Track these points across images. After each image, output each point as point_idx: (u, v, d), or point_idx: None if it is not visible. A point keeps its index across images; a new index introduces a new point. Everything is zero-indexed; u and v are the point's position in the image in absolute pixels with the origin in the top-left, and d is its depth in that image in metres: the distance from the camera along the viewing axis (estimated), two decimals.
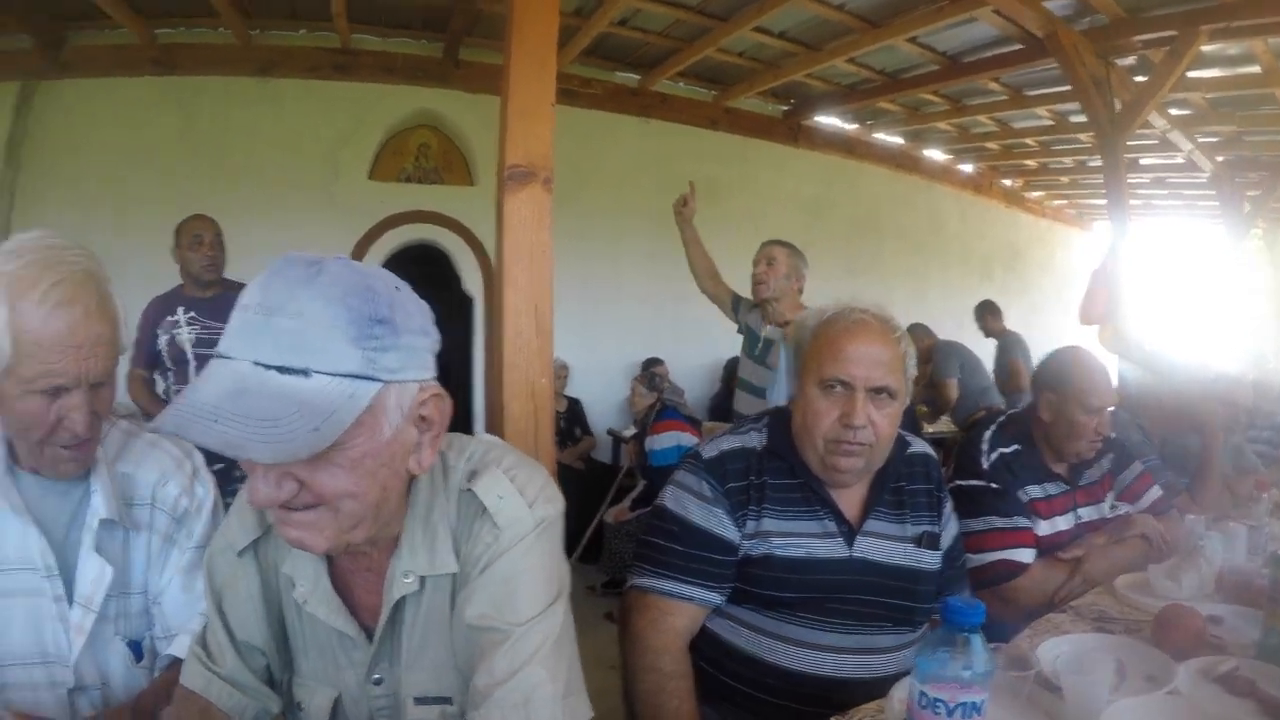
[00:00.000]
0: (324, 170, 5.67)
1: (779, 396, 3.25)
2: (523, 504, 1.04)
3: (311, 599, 1.07)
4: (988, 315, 7.16)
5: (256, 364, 0.84)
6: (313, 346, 0.84)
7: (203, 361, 3.25)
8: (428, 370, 0.96)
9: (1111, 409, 2.19)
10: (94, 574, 1.27)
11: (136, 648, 1.34)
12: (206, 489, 1.42)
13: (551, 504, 1.08)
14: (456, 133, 6.05)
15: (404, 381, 0.92)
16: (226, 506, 1.24)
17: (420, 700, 1.08)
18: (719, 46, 5.65)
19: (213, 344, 3.33)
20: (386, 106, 5.83)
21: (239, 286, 3.61)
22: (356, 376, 0.86)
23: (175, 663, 1.28)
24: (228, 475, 1.47)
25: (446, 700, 1.08)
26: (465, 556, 1.04)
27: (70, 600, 1.26)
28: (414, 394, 0.94)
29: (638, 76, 6.56)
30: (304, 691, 1.14)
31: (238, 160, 5.42)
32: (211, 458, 1.41)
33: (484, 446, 1.12)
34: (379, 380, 0.88)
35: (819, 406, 1.53)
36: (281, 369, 0.84)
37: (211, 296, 3.41)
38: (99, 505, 1.28)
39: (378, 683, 1.09)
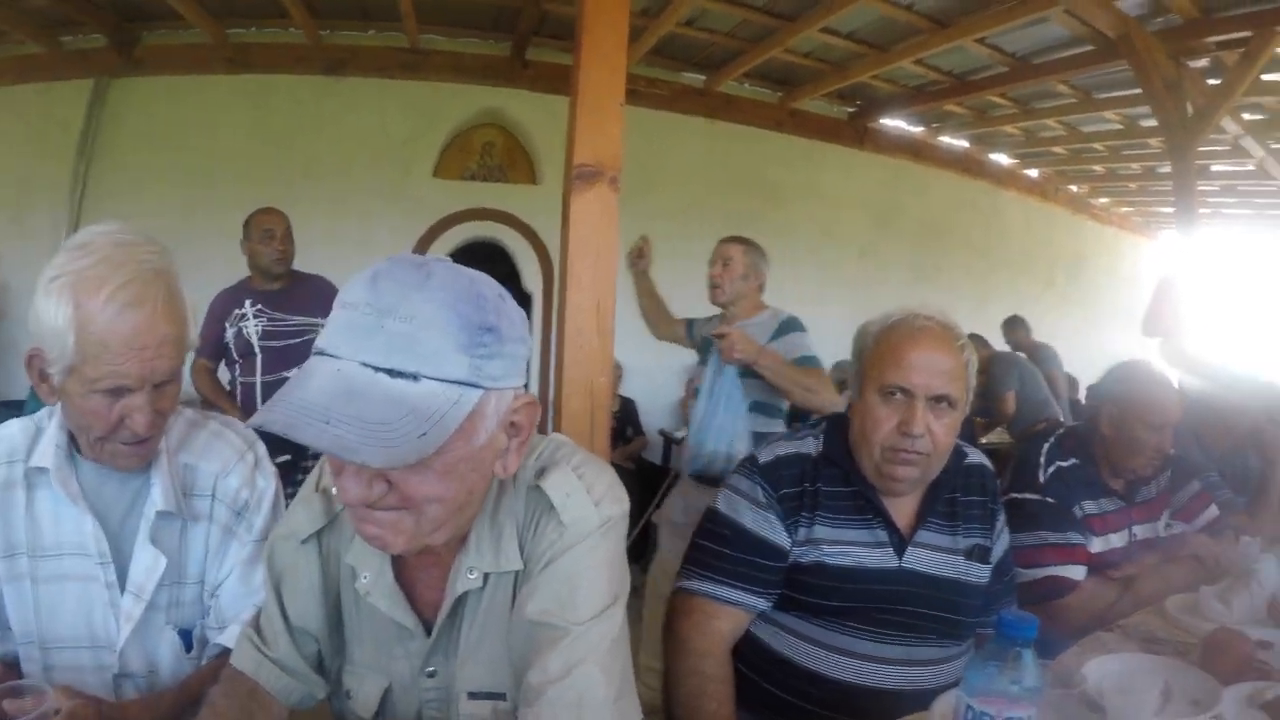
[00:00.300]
0: (391, 167, 5.80)
1: (703, 404, 3.16)
2: (589, 502, 1.04)
3: (374, 591, 1.07)
4: (1018, 330, 7.02)
5: (365, 365, 0.83)
6: (424, 351, 0.84)
7: (269, 354, 3.34)
8: (523, 377, 0.96)
9: (1176, 424, 2.14)
10: (148, 564, 1.28)
11: (187, 637, 1.35)
12: (268, 480, 1.41)
13: (618, 504, 1.07)
14: (522, 131, 6.13)
15: (503, 389, 0.92)
16: (289, 498, 1.24)
17: (474, 695, 1.08)
18: (785, 47, 5.62)
19: (279, 336, 3.40)
20: (453, 105, 5.93)
21: (307, 278, 3.67)
22: (463, 383, 0.86)
23: (225, 652, 1.27)
24: (294, 466, 1.48)
25: (500, 696, 1.08)
26: (530, 553, 1.04)
27: (122, 588, 1.28)
28: (510, 401, 0.94)
29: (703, 77, 6.55)
30: (354, 679, 1.14)
31: (306, 156, 5.57)
32: (275, 449, 1.44)
33: (553, 445, 1.11)
34: (482, 387, 0.88)
35: (878, 414, 1.52)
36: (392, 372, 0.83)
37: (279, 289, 3.45)
38: (157, 498, 1.28)
39: (431, 675, 1.09)
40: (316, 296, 3.37)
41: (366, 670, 1.13)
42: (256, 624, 1.16)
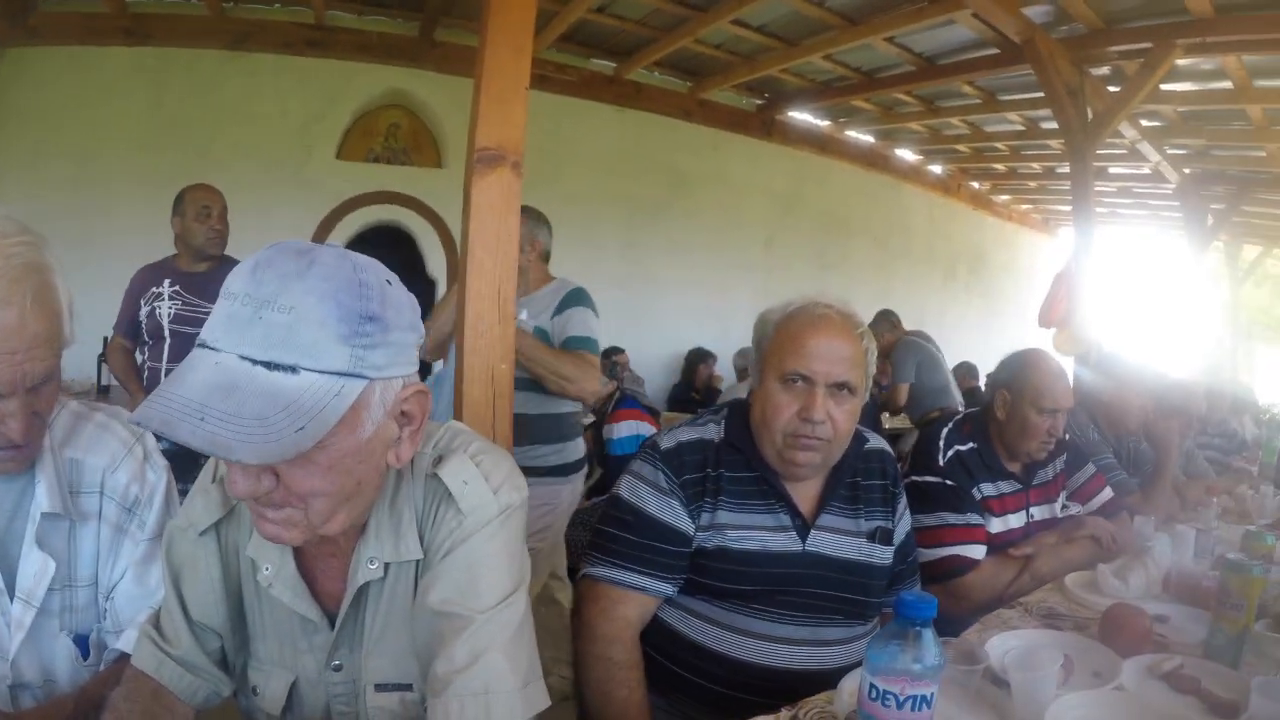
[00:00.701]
0: (293, 148, 5.59)
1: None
2: (488, 490, 1.04)
3: (276, 582, 1.05)
4: (882, 324, 7.12)
5: (243, 358, 0.82)
6: (302, 343, 0.82)
7: (178, 339, 3.15)
8: (412, 365, 0.95)
9: (1067, 409, 2.22)
10: (35, 568, 1.21)
11: (83, 643, 1.28)
12: (159, 474, 1.34)
13: (517, 491, 1.07)
14: (428, 114, 6.00)
15: (390, 378, 0.91)
16: (183, 493, 1.21)
17: (381, 687, 1.07)
18: (696, 38, 5.65)
19: (191, 322, 3.13)
20: (359, 85, 5.76)
21: (233, 265, 3.48)
22: (344, 374, 0.85)
23: (124, 657, 1.22)
24: (193, 460, 1.34)
25: (407, 687, 1.07)
26: (429, 542, 1.04)
27: (11, 595, 1.21)
28: (397, 390, 0.93)
29: (614, 65, 6.54)
30: (260, 675, 1.12)
31: (205, 134, 5.33)
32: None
33: (451, 432, 1.11)
34: (365, 378, 0.87)
35: (779, 400, 1.53)
36: (270, 365, 0.82)
37: (202, 272, 3.25)
38: (42, 498, 1.21)
39: (337, 669, 1.08)
40: None
41: (272, 666, 1.12)
42: (156, 622, 1.12)
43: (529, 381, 2.60)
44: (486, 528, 1.03)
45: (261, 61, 5.44)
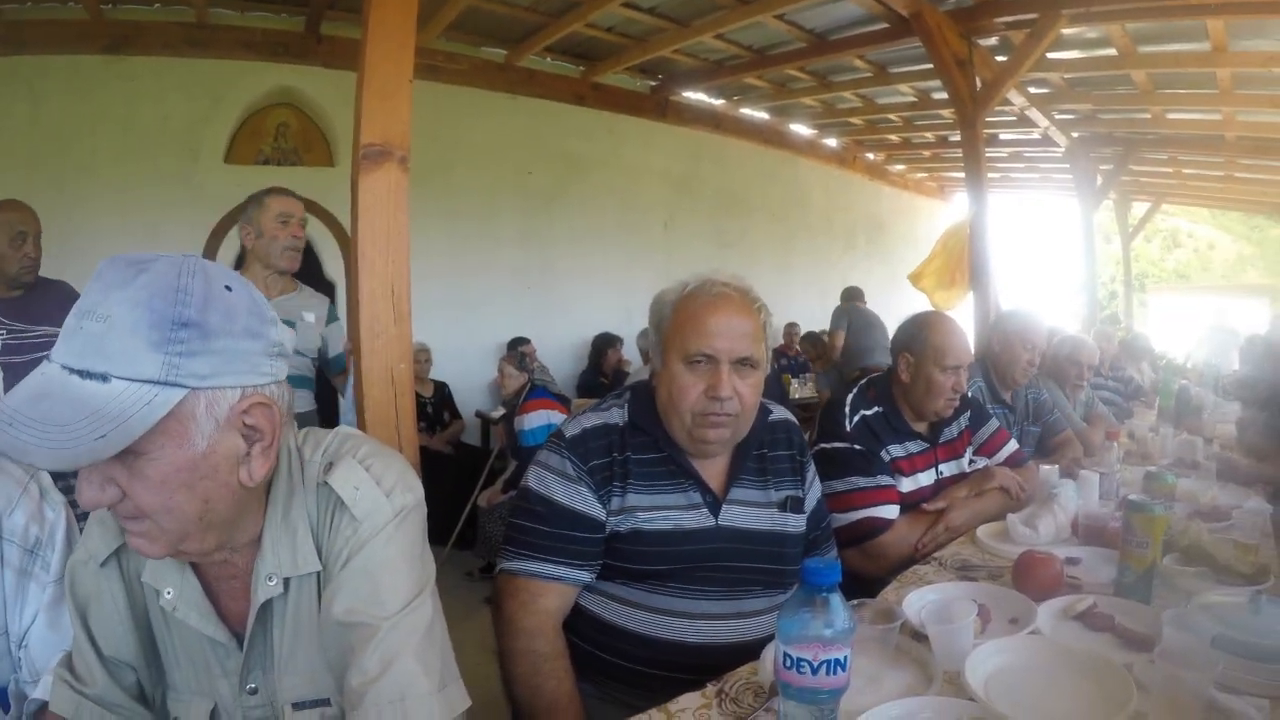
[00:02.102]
0: (180, 154, 5.34)
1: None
2: (380, 494, 1.03)
3: (180, 605, 1.03)
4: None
5: (64, 367, 0.82)
6: (111, 350, 0.82)
7: (11, 371, 2.83)
8: (257, 376, 0.92)
9: (968, 365, 2.28)
10: None
11: (1, 695, 1.23)
12: (57, 511, 1.29)
13: (410, 492, 1.06)
14: (317, 111, 5.81)
15: (217, 388, 0.88)
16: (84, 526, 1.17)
17: (298, 705, 1.05)
18: (587, 21, 5.62)
19: (22, 350, 2.85)
20: (244, 84, 5.54)
21: (50, 284, 3.14)
22: (157, 383, 0.83)
23: (44, 707, 1.17)
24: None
25: (324, 702, 1.06)
26: (327, 552, 1.02)
27: None
28: (232, 401, 0.90)
29: (504, 52, 6.45)
30: (179, 706, 1.09)
31: (86, 144, 5.04)
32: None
33: (339, 438, 1.10)
34: (184, 386, 0.85)
35: (684, 381, 1.54)
36: (83, 373, 0.82)
37: (19, 296, 2.90)
38: None
39: (253, 692, 1.06)
40: (62, 304, 2.86)
41: (189, 694, 1.09)
42: (69, 662, 1.09)
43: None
44: (382, 532, 1.01)
45: (142, 64, 5.16)
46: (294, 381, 2.31)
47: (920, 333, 2.24)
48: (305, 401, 2.88)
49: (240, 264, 3.15)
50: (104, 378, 0.81)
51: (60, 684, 1.07)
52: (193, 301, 0.85)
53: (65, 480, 1.04)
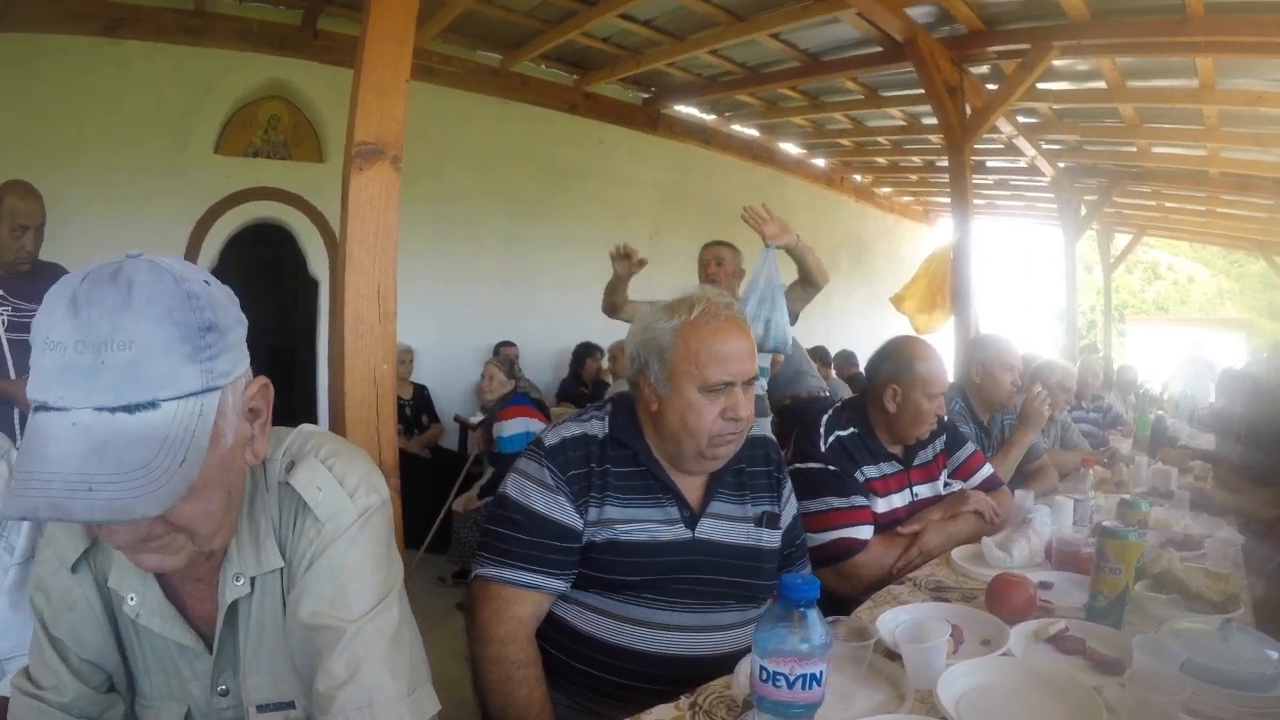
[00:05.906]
0: (170, 141, 5.29)
1: None
2: (343, 494, 1.01)
3: (144, 611, 1.01)
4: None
5: (99, 409, 0.76)
6: (152, 375, 0.78)
7: (16, 349, 2.88)
8: (247, 358, 0.92)
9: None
10: None
11: None
12: None
13: (375, 492, 1.05)
14: (309, 106, 5.78)
15: (236, 379, 0.88)
16: None
17: (262, 708, 1.04)
18: (583, 30, 5.64)
19: (27, 329, 2.84)
20: (238, 75, 5.49)
21: (50, 267, 3.10)
22: (199, 393, 0.82)
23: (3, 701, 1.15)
24: None
25: (289, 705, 1.04)
26: (291, 553, 1.01)
27: None
28: (243, 389, 0.91)
29: (499, 57, 6.45)
30: (149, 712, 1.08)
31: (74, 126, 4.97)
32: None
33: (302, 436, 1.08)
34: (217, 388, 0.84)
35: (703, 408, 1.54)
36: (130, 408, 0.77)
37: (25, 273, 2.95)
38: None
39: (224, 694, 1.05)
40: None
41: (159, 700, 1.07)
42: (28, 673, 1.05)
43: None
44: (346, 534, 1.00)
45: (136, 49, 5.10)
46: None
47: (911, 364, 2.22)
48: None
49: None
50: (153, 405, 0.78)
51: (18, 695, 1.04)
52: (203, 303, 0.84)
53: None
